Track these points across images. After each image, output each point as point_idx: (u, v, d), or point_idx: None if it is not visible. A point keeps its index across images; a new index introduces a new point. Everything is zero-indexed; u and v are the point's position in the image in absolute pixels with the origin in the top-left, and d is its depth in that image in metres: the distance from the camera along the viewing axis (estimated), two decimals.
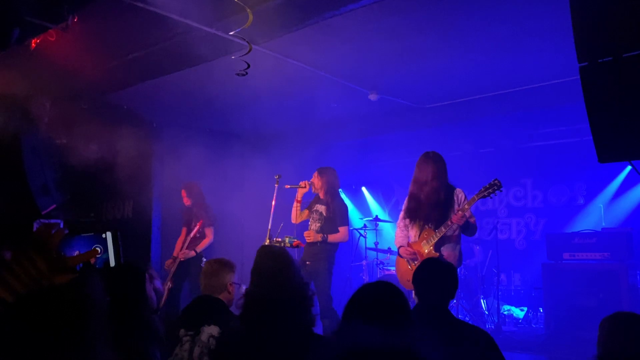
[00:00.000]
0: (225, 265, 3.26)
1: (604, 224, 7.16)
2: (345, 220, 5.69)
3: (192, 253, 6.14)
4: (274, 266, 2.49)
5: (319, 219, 5.70)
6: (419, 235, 4.58)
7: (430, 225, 4.52)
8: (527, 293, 7.68)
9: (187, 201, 6.42)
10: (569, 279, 6.08)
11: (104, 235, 1.45)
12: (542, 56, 5.35)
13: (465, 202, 4.45)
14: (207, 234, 6.28)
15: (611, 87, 2.58)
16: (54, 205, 5.93)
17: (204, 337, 2.84)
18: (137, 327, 2.31)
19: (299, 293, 2.43)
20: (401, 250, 4.69)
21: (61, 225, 6.00)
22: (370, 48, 5.09)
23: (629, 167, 7.34)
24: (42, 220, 5.69)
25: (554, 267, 6.30)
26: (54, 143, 5.70)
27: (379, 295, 2.05)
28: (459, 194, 4.54)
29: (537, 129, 7.88)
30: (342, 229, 5.62)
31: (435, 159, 4.58)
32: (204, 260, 6.04)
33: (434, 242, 4.45)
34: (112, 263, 1.44)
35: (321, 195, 5.74)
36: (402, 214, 4.84)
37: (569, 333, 5.85)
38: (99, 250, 1.42)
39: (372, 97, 6.39)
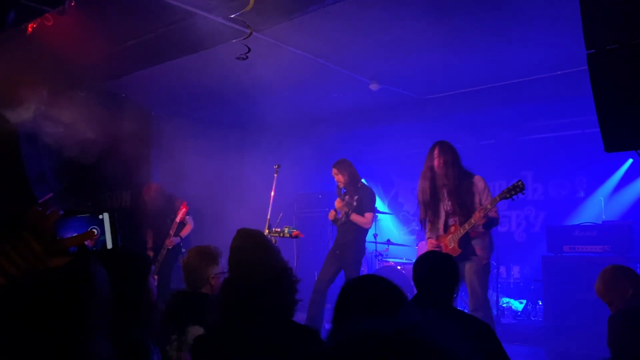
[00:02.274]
0: (204, 259, 3.04)
1: (604, 216, 7.13)
2: (370, 206, 5.79)
3: (178, 239, 6.19)
4: (249, 249, 2.36)
5: (349, 210, 5.81)
6: (444, 229, 4.56)
7: (454, 218, 4.48)
8: (526, 286, 7.66)
9: (156, 200, 6.32)
10: (569, 271, 6.06)
11: (100, 216, 1.39)
12: (543, 48, 5.31)
13: (486, 192, 4.42)
14: (188, 222, 6.31)
15: (619, 74, 2.53)
16: (51, 194, 5.88)
17: (190, 338, 2.74)
18: (137, 318, 2.25)
19: (276, 277, 2.31)
20: (428, 243, 4.67)
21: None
22: (372, 37, 5.03)
23: (631, 160, 7.30)
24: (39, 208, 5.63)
25: (554, 260, 6.28)
26: (51, 131, 5.64)
27: (373, 289, 1.97)
28: (478, 182, 4.48)
29: (538, 121, 7.83)
30: (368, 215, 5.72)
31: (446, 146, 4.56)
32: (184, 250, 6.07)
33: (458, 238, 4.42)
34: (109, 245, 1.39)
35: (347, 188, 5.83)
36: (422, 209, 4.74)
37: (568, 326, 5.84)
38: (96, 232, 1.37)
39: (373, 87, 6.34)
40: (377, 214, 7.90)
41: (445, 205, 4.56)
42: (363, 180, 6.17)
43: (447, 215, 4.57)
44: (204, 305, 2.95)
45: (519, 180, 4.28)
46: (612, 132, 2.56)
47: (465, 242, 4.42)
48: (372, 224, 5.80)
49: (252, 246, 2.38)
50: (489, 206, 4.26)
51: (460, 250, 4.40)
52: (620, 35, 2.55)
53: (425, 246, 4.77)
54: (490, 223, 4.41)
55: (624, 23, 2.54)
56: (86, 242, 1.33)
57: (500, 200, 4.30)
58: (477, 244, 4.43)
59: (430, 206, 4.61)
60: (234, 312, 2.25)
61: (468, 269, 4.41)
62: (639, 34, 2.52)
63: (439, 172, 4.51)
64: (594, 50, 2.55)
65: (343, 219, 5.75)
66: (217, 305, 2.36)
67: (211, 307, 2.94)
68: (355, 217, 5.66)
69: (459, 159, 4.58)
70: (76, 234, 1.30)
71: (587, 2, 2.60)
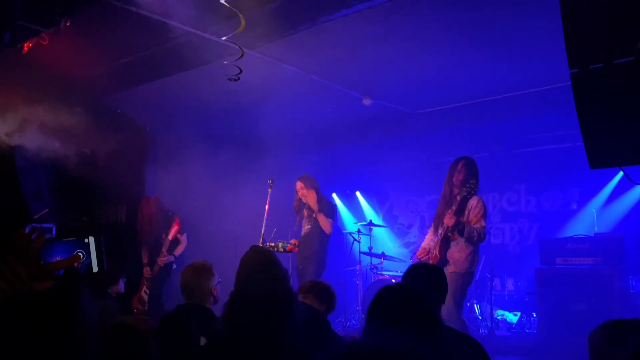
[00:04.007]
0: (203, 273, 3.15)
1: (596, 229, 7.18)
2: (331, 214, 5.94)
3: (171, 258, 6.20)
4: (263, 265, 2.44)
5: (310, 221, 5.94)
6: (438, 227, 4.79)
7: (441, 228, 4.70)
8: (521, 298, 7.68)
9: (154, 214, 6.33)
10: (562, 284, 6.10)
11: (86, 240, 1.43)
12: (534, 62, 5.38)
13: (477, 209, 4.63)
14: (182, 240, 6.34)
15: (602, 93, 2.59)
16: (47, 210, 5.91)
17: None
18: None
19: (287, 294, 2.38)
20: (420, 250, 4.92)
21: (54, 230, 5.97)
22: (364, 53, 5.10)
23: (621, 173, 7.37)
24: (34, 224, 5.66)
25: (547, 272, 6.31)
26: (46, 147, 5.68)
27: (405, 299, 2.01)
28: (472, 200, 4.67)
29: (530, 134, 7.90)
30: (330, 220, 5.89)
31: (470, 163, 4.76)
32: (175, 267, 6.10)
33: (437, 245, 4.62)
34: (95, 269, 1.42)
35: (314, 206, 5.93)
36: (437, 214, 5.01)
37: (562, 338, 5.86)
38: (81, 255, 1.41)
39: (366, 102, 6.41)
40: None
41: (441, 218, 4.76)
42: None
43: (446, 228, 4.75)
44: (205, 317, 3.02)
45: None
46: (596, 149, 2.62)
47: (444, 248, 4.62)
48: (330, 229, 5.90)
49: (264, 264, 2.47)
50: (454, 207, 4.54)
51: (439, 257, 4.59)
52: (603, 54, 2.61)
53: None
54: (464, 229, 4.54)
55: (607, 43, 2.61)
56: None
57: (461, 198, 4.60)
58: (456, 252, 4.60)
59: (440, 209, 4.84)
60: (238, 324, 2.29)
61: None
62: (621, 54, 2.59)
63: (457, 187, 4.70)
64: (577, 70, 2.61)
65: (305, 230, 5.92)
66: (222, 315, 2.41)
67: (213, 321, 3.01)
68: (321, 217, 5.79)
69: (477, 179, 4.76)
70: (58, 258, 1.34)
71: (570, 22, 2.67)
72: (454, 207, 4.51)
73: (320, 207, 5.85)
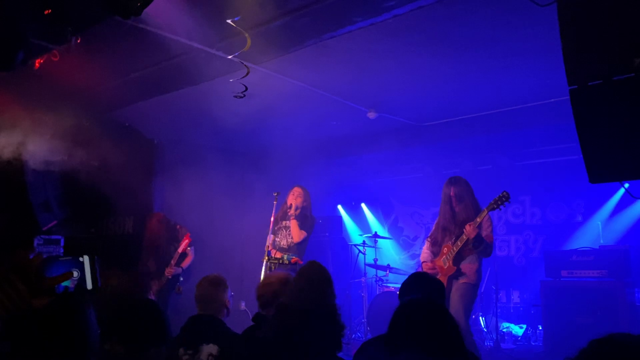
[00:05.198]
0: (219, 285, 3.27)
1: (602, 241, 7.17)
2: (308, 228, 5.86)
3: (179, 270, 6.27)
4: (322, 279, 2.57)
5: (289, 235, 5.83)
6: (439, 252, 4.82)
7: (450, 241, 4.73)
8: (526, 310, 7.67)
9: (159, 230, 6.43)
10: (568, 296, 6.09)
11: (81, 259, 1.52)
12: (539, 75, 5.41)
13: (487, 223, 4.67)
14: (190, 253, 6.44)
15: (601, 110, 2.64)
16: (55, 222, 5.98)
17: (203, 356, 2.85)
18: None
19: (336, 311, 2.50)
20: (423, 266, 4.91)
21: (62, 241, 6.04)
22: (368, 68, 5.16)
23: (627, 185, 7.37)
24: (43, 236, 5.74)
25: (552, 285, 6.31)
26: (55, 160, 5.76)
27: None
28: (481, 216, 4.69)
29: (534, 147, 7.92)
30: (303, 232, 5.79)
31: (463, 185, 4.82)
32: (182, 279, 6.18)
33: (452, 256, 4.62)
34: (89, 286, 1.51)
35: (294, 212, 5.80)
36: (429, 235, 5.08)
37: (567, 350, 5.82)
38: (76, 273, 1.49)
39: (371, 115, 6.46)
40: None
41: (446, 233, 4.84)
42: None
43: (445, 241, 4.84)
44: (218, 327, 3.13)
45: (504, 191, 4.54)
46: (596, 165, 2.66)
47: (458, 260, 4.64)
48: (300, 239, 5.78)
49: (319, 280, 2.60)
50: (478, 219, 4.53)
51: (455, 268, 4.62)
52: (602, 71, 2.66)
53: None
54: (481, 241, 4.56)
55: (605, 60, 2.66)
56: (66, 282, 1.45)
57: (489, 211, 4.60)
58: (467, 263, 4.64)
59: (440, 237, 4.88)
60: (284, 330, 2.40)
61: (454, 291, 4.61)
62: (619, 71, 2.63)
63: (460, 216, 4.75)
64: (576, 87, 2.66)
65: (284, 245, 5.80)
66: (271, 324, 2.52)
67: (225, 332, 3.11)
68: (294, 224, 5.70)
69: (473, 194, 4.84)
70: (56, 275, 1.42)
71: (569, 40, 2.72)
72: (477, 220, 4.55)
73: (301, 216, 5.77)
